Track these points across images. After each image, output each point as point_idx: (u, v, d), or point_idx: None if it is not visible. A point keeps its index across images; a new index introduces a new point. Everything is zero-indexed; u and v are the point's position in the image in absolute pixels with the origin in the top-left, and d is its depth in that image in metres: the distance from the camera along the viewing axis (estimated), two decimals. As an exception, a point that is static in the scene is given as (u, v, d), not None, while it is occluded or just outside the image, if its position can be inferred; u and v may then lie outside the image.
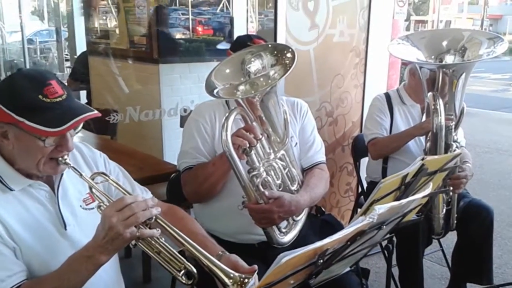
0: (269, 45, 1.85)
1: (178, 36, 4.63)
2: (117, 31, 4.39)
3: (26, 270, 1.33)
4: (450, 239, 2.84)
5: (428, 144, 2.40)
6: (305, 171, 2.08)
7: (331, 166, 3.19)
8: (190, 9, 4.93)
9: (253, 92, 1.75)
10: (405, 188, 1.61)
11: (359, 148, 3.00)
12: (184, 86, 4.02)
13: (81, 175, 1.38)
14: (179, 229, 1.55)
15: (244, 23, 4.51)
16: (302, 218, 2.00)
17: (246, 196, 1.76)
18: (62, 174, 1.47)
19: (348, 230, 1.04)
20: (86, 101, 5.40)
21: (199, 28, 5.13)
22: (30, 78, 1.32)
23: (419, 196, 1.30)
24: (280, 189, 1.83)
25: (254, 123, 1.77)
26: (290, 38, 2.73)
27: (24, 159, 1.36)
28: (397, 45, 2.54)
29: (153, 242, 1.32)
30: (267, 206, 1.76)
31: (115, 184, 1.42)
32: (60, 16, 7.91)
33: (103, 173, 1.44)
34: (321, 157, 2.10)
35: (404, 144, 2.65)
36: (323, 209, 2.31)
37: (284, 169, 1.85)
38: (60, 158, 1.37)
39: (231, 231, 2.00)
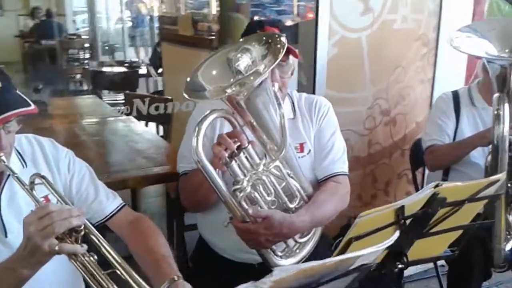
0: (254, 36, 1.54)
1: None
2: (183, 17, 4.28)
3: None
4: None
5: (489, 158, 1.94)
6: (320, 183, 1.76)
7: (387, 173, 2.79)
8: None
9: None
10: (415, 222, 1.25)
11: (419, 154, 2.55)
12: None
13: (13, 173, 1.24)
14: (139, 243, 1.42)
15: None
16: (311, 239, 1.68)
17: (231, 213, 1.51)
18: (8, 176, 1.33)
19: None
20: (162, 88, 5.43)
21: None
22: None
23: (364, 253, 0.90)
24: (274, 207, 1.54)
25: (245, 128, 1.51)
26: (336, 24, 2.36)
27: None
28: (465, 38, 2.09)
29: (85, 261, 1.15)
30: (253, 227, 1.49)
31: (52, 190, 1.27)
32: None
33: (42, 176, 1.28)
34: (340, 167, 1.76)
35: (465, 155, 2.18)
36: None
37: (280, 183, 1.55)
38: None
39: (229, 248, 1.76)
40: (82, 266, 1.15)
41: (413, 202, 1.16)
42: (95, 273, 1.15)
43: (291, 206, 1.59)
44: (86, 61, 8.23)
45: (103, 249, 1.18)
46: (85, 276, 1.16)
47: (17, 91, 1.29)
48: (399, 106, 2.71)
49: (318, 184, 1.76)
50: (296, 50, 1.65)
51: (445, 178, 2.36)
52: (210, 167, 1.41)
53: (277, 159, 1.52)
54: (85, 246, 1.15)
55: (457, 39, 2.05)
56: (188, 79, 1.50)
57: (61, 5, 10.91)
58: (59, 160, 1.45)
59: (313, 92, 2.37)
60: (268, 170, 1.50)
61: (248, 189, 1.46)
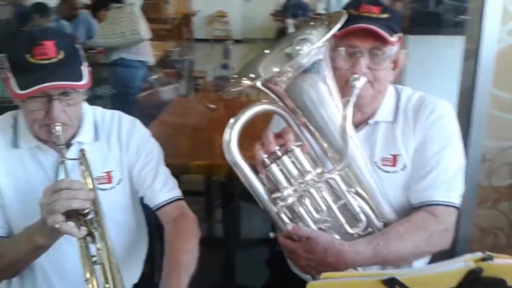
0: (304, 25, 1.25)
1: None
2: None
3: (7, 228, 1.35)
4: None
5: None
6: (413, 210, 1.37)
7: None
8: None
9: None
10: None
11: None
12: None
13: (60, 145, 1.27)
14: (168, 242, 1.39)
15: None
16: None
17: (274, 224, 1.30)
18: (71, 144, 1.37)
19: None
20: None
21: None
22: (28, 34, 1.28)
23: None
24: (326, 228, 1.25)
25: (302, 128, 1.25)
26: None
27: (25, 119, 1.34)
28: None
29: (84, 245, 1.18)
30: (292, 246, 1.25)
31: (82, 167, 1.27)
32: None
33: (83, 154, 1.29)
34: (442, 195, 1.31)
35: None
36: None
37: (336, 201, 1.25)
38: (51, 125, 1.27)
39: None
40: (81, 250, 1.17)
41: (425, 275, 0.77)
42: (86, 260, 1.16)
43: (351, 231, 1.27)
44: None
45: (102, 242, 1.16)
46: (81, 259, 1.16)
47: (82, 66, 1.30)
48: None
49: (412, 211, 1.37)
50: (394, 38, 1.28)
51: None
52: (244, 167, 1.22)
53: (335, 170, 1.23)
54: (83, 232, 1.14)
55: None
56: (253, 75, 1.30)
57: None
58: (131, 140, 1.45)
59: (472, 91, 1.87)
60: (320, 182, 1.23)
61: (291, 200, 1.22)
